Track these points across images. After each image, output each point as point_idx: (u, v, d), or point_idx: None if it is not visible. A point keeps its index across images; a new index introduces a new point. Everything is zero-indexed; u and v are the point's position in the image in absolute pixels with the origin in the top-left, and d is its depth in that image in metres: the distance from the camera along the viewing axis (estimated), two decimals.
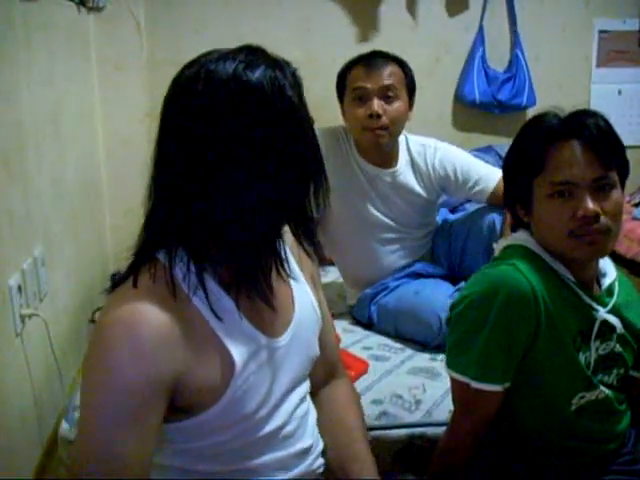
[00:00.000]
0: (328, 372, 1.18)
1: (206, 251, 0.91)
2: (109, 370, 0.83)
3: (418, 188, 2.09)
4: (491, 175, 2.05)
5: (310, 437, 1.06)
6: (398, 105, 1.98)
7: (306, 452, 1.04)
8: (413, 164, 2.09)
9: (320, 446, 1.09)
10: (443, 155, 2.09)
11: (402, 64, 2.02)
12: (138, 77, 2.61)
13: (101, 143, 2.58)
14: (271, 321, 0.99)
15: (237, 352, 0.91)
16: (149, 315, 0.85)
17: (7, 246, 1.47)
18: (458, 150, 2.14)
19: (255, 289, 0.94)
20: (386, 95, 1.96)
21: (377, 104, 1.94)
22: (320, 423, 1.11)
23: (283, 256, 0.99)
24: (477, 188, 2.06)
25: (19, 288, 1.49)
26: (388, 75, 1.97)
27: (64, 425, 1.51)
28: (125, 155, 2.60)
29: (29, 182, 1.63)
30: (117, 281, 0.92)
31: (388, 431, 1.55)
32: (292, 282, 1.05)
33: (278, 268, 0.99)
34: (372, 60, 1.99)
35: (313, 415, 1.10)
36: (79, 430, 0.87)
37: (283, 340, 0.99)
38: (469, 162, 2.11)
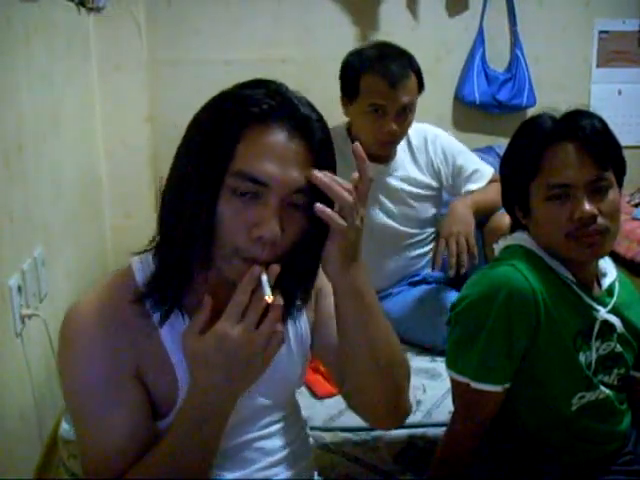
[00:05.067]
0: None
1: (181, 289, 0.92)
2: (69, 361, 0.92)
3: (419, 174, 2.08)
4: (481, 176, 2.09)
5: (279, 452, 1.04)
6: (412, 116, 1.96)
7: (277, 464, 1.03)
8: (412, 152, 2.10)
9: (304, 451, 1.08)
10: (443, 142, 2.12)
11: (418, 72, 1.95)
12: (138, 77, 2.61)
13: (101, 143, 2.57)
14: None
15: (185, 380, 0.92)
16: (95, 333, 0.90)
17: (7, 246, 1.46)
18: (454, 140, 2.18)
19: None
20: (404, 112, 1.92)
21: (395, 123, 1.91)
22: None
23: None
24: (467, 187, 2.08)
25: (19, 288, 1.49)
26: (408, 92, 1.91)
27: (64, 425, 1.51)
28: (125, 155, 2.59)
29: (29, 182, 1.62)
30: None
31: (388, 431, 1.55)
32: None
33: None
34: (392, 72, 1.88)
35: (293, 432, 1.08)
36: None
37: None
38: (464, 155, 2.14)
